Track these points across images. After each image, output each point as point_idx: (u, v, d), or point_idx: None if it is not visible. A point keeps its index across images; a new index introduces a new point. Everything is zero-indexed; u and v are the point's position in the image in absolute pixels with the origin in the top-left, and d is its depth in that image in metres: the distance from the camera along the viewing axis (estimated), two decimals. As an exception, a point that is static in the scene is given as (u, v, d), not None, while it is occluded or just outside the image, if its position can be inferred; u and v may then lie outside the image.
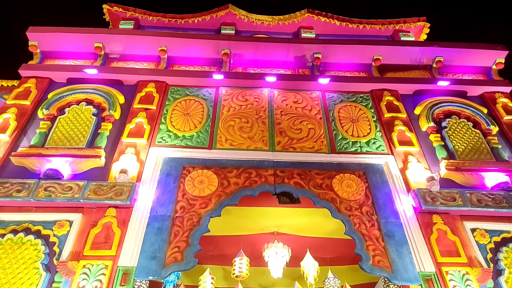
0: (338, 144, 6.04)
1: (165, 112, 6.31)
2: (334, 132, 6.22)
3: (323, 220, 5.87)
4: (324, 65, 7.38)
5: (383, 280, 5.15)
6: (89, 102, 6.39)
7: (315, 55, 7.22)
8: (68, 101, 6.34)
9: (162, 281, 5.85)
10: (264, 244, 6.55)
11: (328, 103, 6.74)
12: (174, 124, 6.13)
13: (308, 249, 6.53)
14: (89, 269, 4.23)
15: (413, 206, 5.15)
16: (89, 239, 4.50)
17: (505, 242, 4.91)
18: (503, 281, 4.54)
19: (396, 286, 5.20)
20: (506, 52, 7.16)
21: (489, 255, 4.77)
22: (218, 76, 6.77)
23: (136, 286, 4.39)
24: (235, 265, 6.24)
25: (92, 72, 6.65)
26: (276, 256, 6.31)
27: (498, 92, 6.96)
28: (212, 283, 6.25)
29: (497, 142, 6.18)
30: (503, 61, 7.21)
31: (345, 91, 6.95)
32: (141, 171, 5.36)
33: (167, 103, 6.48)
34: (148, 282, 4.52)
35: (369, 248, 4.75)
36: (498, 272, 4.62)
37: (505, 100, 6.82)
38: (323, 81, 6.86)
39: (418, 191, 5.11)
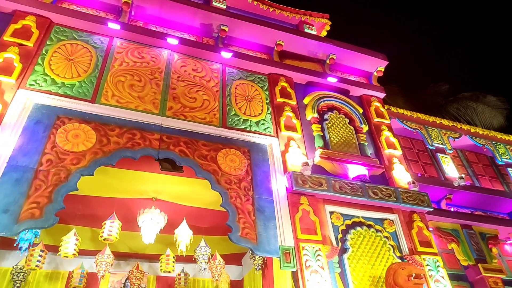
0: (230, 120, 6.15)
1: (44, 52, 5.55)
2: (227, 107, 6.30)
3: (203, 191, 5.95)
4: (229, 38, 7.35)
5: (250, 252, 5.51)
6: None
7: (222, 27, 7.13)
8: None
9: (15, 237, 5.28)
10: (140, 209, 6.39)
11: (227, 78, 6.77)
12: (53, 68, 5.44)
13: (185, 218, 6.60)
14: None
15: (286, 187, 5.59)
16: None
17: (354, 225, 5.69)
18: (346, 258, 5.30)
19: (260, 257, 5.63)
20: (386, 62, 8.11)
21: (340, 236, 5.48)
22: (114, 26, 6.19)
23: (-20, 242, 3.88)
24: (104, 227, 5.98)
25: (-48, -15, 5.46)
26: (151, 222, 6.22)
27: (374, 96, 7.88)
28: (76, 244, 5.88)
29: (365, 139, 7.02)
30: (383, 69, 8.14)
31: (245, 69, 7.06)
32: (3, 114, 4.68)
33: (48, 42, 5.70)
34: (-4, 238, 4.03)
35: (240, 221, 5.02)
36: (343, 250, 5.36)
37: (378, 104, 7.76)
38: (226, 55, 6.84)
39: (292, 174, 5.55)
